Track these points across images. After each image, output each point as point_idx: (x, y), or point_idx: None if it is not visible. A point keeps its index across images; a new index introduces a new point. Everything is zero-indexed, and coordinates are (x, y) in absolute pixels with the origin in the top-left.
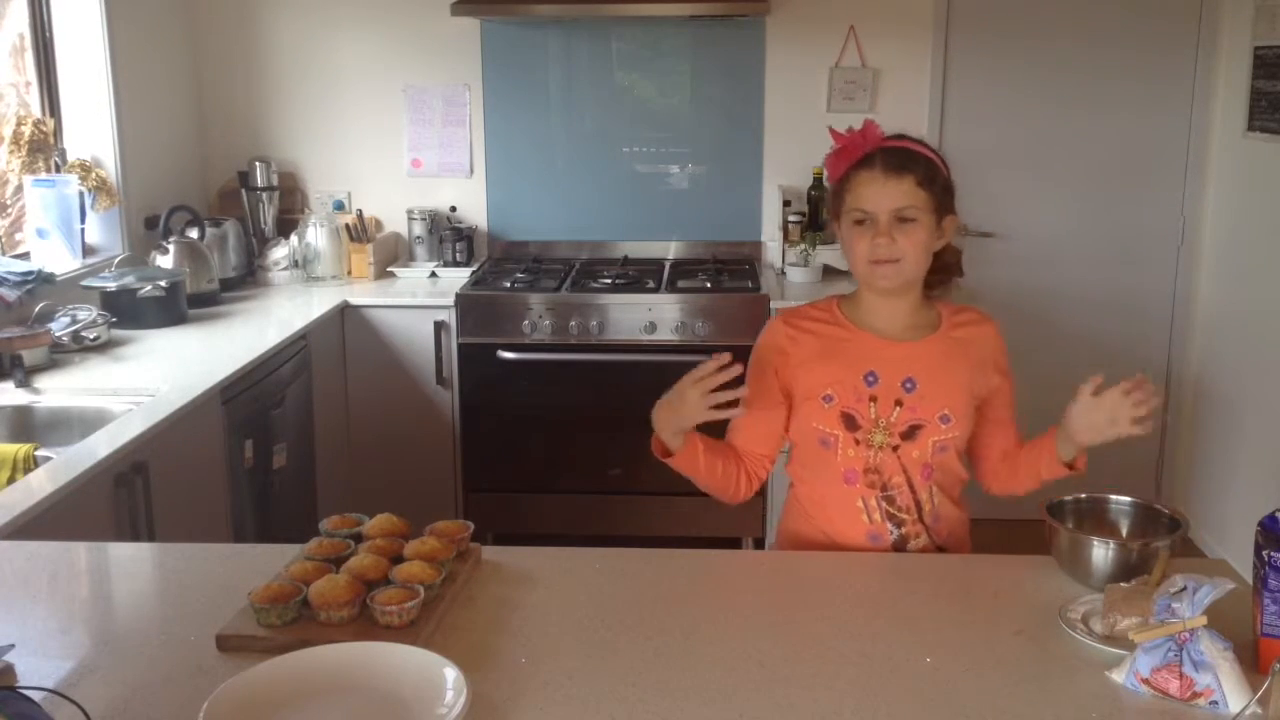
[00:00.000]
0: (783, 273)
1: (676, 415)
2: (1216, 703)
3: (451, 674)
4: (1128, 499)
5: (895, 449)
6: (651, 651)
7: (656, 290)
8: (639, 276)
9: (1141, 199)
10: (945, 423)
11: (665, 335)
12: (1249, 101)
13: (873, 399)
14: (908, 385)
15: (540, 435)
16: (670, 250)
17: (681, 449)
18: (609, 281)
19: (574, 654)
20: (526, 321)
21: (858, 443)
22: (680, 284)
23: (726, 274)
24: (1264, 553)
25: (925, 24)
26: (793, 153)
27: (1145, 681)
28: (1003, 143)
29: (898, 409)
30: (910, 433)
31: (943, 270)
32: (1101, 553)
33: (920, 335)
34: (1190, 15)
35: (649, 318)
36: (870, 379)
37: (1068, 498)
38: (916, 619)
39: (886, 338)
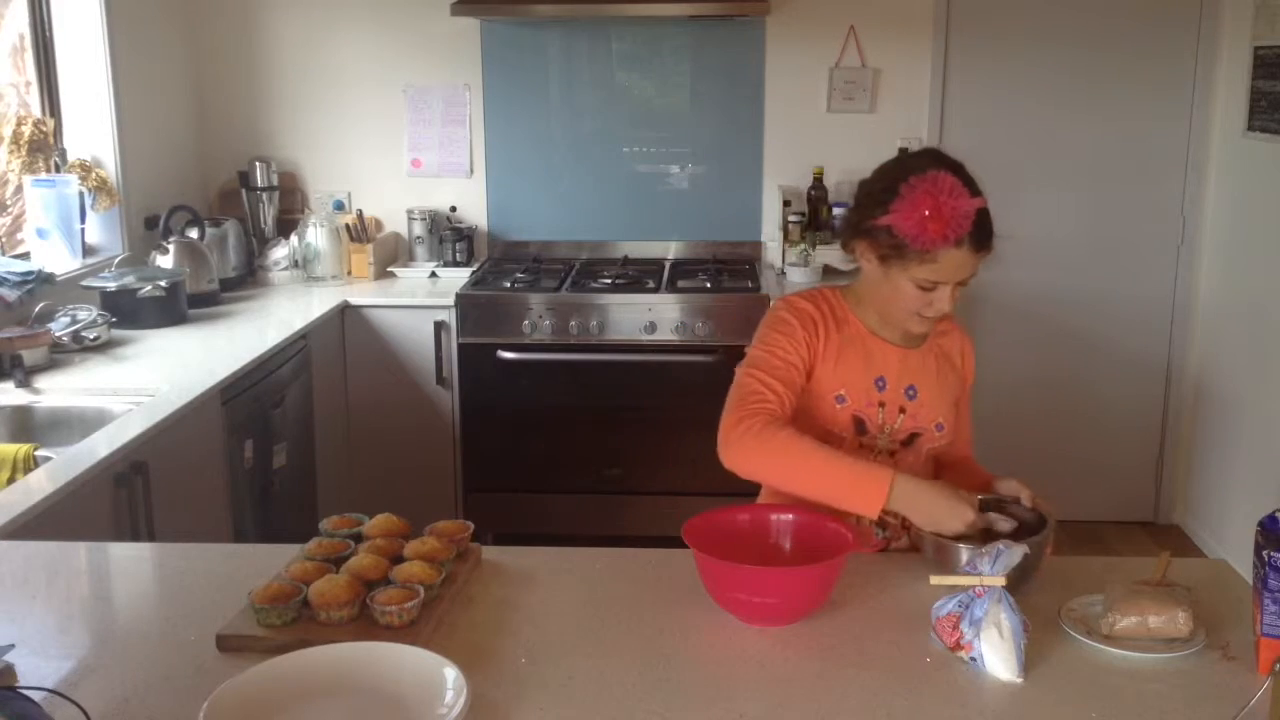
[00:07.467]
0: (783, 273)
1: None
2: (975, 660)
3: (451, 674)
4: (1000, 498)
5: (893, 454)
6: (651, 651)
7: (656, 290)
8: (639, 276)
9: (1141, 199)
10: (939, 430)
11: (665, 335)
12: (1249, 101)
13: (881, 404)
14: (910, 393)
15: (540, 435)
16: (670, 250)
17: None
18: (609, 281)
19: (574, 654)
20: (526, 321)
21: (861, 447)
22: (680, 284)
23: (726, 274)
24: (1264, 553)
25: (925, 24)
26: (793, 153)
27: (934, 629)
28: (1003, 143)
29: (901, 416)
30: (910, 440)
31: None
32: (967, 558)
33: (914, 343)
34: (1190, 15)
35: (649, 318)
36: (880, 384)
37: None
38: (916, 618)
39: (890, 342)
